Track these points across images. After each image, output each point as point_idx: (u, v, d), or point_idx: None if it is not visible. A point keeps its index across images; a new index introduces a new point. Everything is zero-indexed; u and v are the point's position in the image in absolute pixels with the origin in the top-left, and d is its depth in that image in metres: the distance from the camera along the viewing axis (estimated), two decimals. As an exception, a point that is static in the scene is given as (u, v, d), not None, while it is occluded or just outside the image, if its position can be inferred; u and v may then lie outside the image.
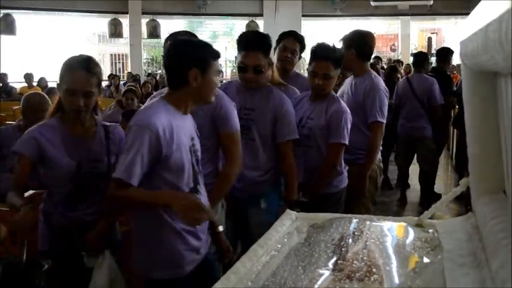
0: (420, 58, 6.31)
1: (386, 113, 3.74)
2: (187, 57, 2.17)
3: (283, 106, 3.05)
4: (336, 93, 3.59)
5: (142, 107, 2.47)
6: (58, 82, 2.44)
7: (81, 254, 2.38)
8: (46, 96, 4.04)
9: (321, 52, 3.20)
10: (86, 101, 2.33)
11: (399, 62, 11.21)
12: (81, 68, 2.32)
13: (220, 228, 2.51)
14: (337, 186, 3.32)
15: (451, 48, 6.61)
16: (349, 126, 3.24)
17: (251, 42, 2.97)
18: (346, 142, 3.22)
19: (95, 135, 2.46)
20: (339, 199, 3.33)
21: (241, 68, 2.97)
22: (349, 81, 3.93)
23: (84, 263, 2.37)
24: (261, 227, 2.92)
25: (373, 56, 7.72)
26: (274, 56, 3.81)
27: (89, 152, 2.42)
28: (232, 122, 2.71)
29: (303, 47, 3.86)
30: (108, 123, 2.55)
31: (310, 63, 3.24)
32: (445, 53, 6.59)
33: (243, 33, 3.16)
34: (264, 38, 3.01)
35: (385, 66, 9.50)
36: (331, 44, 3.26)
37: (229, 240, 2.95)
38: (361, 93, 3.69)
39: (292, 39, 3.77)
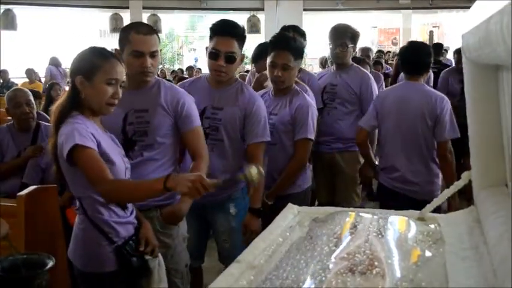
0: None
1: None
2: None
3: (255, 104, 2.82)
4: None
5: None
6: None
7: (145, 259, 2.22)
8: (26, 90, 4.04)
9: (280, 42, 3.05)
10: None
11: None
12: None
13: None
14: (300, 186, 3.17)
15: (442, 43, 6.90)
16: (315, 120, 3.10)
17: (226, 27, 2.76)
18: (313, 137, 3.08)
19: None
20: (303, 199, 3.07)
21: (213, 54, 2.71)
22: (332, 73, 4.00)
23: (150, 268, 2.23)
24: (230, 234, 2.88)
25: (375, 50, 7.76)
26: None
27: (120, 149, 2.31)
28: (195, 118, 2.61)
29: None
30: None
31: (269, 54, 3.05)
32: (438, 48, 6.94)
33: (217, 21, 2.87)
34: (240, 27, 2.83)
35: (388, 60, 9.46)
36: (291, 34, 3.16)
37: (194, 248, 2.88)
38: (356, 84, 3.84)
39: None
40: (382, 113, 3.44)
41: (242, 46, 2.78)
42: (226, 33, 2.72)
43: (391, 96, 3.47)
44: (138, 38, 2.45)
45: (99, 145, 2.07)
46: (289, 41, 3.02)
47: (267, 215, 2.88)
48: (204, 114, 2.77)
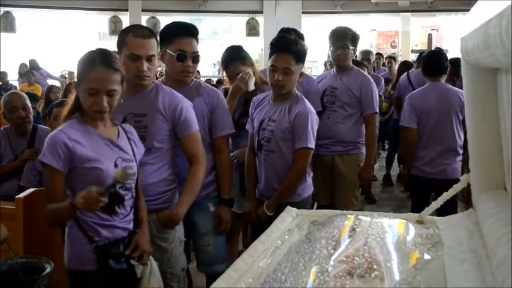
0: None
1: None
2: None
3: (219, 99, 2.87)
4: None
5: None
6: (75, 80, 2.36)
7: (130, 264, 2.20)
8: (22, 94, 4.05)
9: (281, 45, 2.93)
10: (109, 101, 2.11)
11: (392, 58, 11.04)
12: (102, 65, 2.10)
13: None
14: (300, 195, 3.04)
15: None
16: (315, 128, 2.99)
17: (186, 29, 2.75)
18: (313, 146, 2.98)
19: (119, 135, 2.28)
20: (303, 208, 2.93)
21: (181, 56, 2.68)
22: (332, 75, 3.98)
23: (136, 274, 2.21)
24: (212, 235, 2.86)
25: (375, 53, 7.77)
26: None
27: (122, 153, 2.24)
28: (193, 123, 2.60)
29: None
30: (123, 124, 2.38)
31: (269, 57, 2.96)
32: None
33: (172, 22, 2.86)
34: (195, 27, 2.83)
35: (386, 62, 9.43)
36: (292, 36, 3.11)
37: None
38: (356, 88, 3.82)
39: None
40: (421, 111, 3.99)
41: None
42: (188, 34, 2.76)
43: (429, 95, 4.01)
44: (135, 41, 2.42)
45: (74, 154, 2.08)
46: (291, 43, 2.92)
47: (266, 226, 2.88)
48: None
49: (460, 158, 3.97)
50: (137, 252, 2.20)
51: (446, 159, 3.94)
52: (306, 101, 3.03)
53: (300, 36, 3.79)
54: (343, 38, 3.77)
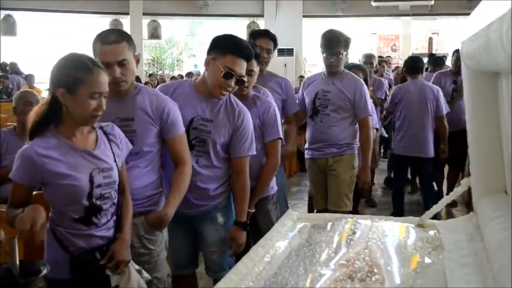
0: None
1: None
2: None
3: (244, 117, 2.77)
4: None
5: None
6: (61, 89, 2.15)
7: (105, 273, 2.17)
8: (35, 93, 4.09)
9: (245, 50, 2.87)
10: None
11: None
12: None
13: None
14: (273, 188, 3.16)
15: (443, 57, 7.92)
16: (280, 119, 3.10)
17: (245, 50, 2.69)
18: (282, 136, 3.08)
19: (97, 141, 2.22)
20: (276, 201, 3.19)
21: (228, 74, 2.62)
22: (323, 78, 3.98)
23: (110, 283, 2.18)
24: (219, 245, 2.79)
25: (377, 57, 7.77)
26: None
27: (100, 162, 2.19)
28: (180, 125, 2.56)
29: (275, 46, 3.70)
30: (104, 124, 2.30)
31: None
32: (439, 62, 7.32)
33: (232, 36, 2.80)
34: (253, 51, 2.81)
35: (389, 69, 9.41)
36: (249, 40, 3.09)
37: (187, 256, 2.85)
38: (350, 91, 3.84)
39: (267, 39, 3.60)
40: (400, 100, 5.20)
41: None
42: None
43: (409, 89, 5.19)
44: (104, 49, 2.36)
45: (44, 171, 2.08)
46: (253, 47, 2.93)
47: (248, 224, 2.84)
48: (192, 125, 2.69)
49: (431, 139, 5.04)
50: (113, 262, 2.15)
51: (421, 140, 5.00)
52: (263, 96, 3.13)
53: (273, 38, 3.70)
54: (336, 45, 3.79)
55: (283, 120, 3.59)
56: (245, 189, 2.78)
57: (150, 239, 2.53)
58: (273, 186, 3.16)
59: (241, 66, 2.66)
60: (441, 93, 5.09)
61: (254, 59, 2.91)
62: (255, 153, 2.81)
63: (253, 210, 2.93)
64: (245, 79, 2.71)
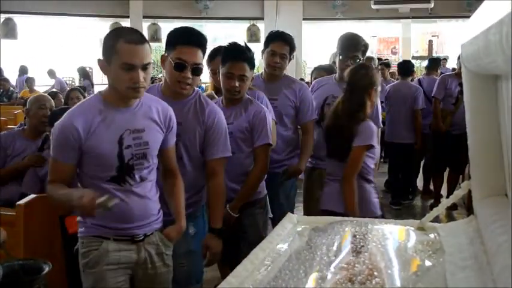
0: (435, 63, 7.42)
1: None
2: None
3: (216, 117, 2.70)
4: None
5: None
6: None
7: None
8: (50, 97, 4.14)
9: (236, 52, 2.95)
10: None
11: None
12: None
13: None
14: (261, 192, 3.09)
15: (439, 58, 8.54)
16: (271, 125, 3.04)
17: (190, 36, 2.56)
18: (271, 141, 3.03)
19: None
20: (264, 206, 3.11)
21: (179, 65, 2.51)
22: (333, 83, 3.77)
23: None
24: (188, 257, 2.62)
25: (378, 60, 7.81)
26: (262, 60, 3.64)
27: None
28: (175, 134, 2.48)
29: (292, 49, 3.56)
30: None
31: (223, 65, 2.94)
32: (435, 63, 7.39)
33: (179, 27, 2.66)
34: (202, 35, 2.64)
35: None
36: (243, 44, 3.05)
37: None
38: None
39: (281, 43, 3.50)
40: (390, 96, 6.41)
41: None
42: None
43: (399, 88, 6.45)
44: (128, 49, 2.12)
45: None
46: (245, 51, 2.94)
47: (233, 228, 2.82)
48: None
49: (412, 129, 6.23)
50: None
51: (404, 131, 6.23)
52: (254, 99, 3.09)
53: (289, 41, 3.62)
54: (355, 49, 3.61)
55: (291, 127, 3.55)
56: (220, 193, 2.66)
57: (169, 255, 2.43)
58: (261, 191, 3.08)
59: (193, 54, 2.48)
60: (421, 92, 6.27)
61: (246, 63, 2.88)
62: (230, 155, 2.71)
63: (237, 215, 2.87)
64: (201, 67, 2.55)
